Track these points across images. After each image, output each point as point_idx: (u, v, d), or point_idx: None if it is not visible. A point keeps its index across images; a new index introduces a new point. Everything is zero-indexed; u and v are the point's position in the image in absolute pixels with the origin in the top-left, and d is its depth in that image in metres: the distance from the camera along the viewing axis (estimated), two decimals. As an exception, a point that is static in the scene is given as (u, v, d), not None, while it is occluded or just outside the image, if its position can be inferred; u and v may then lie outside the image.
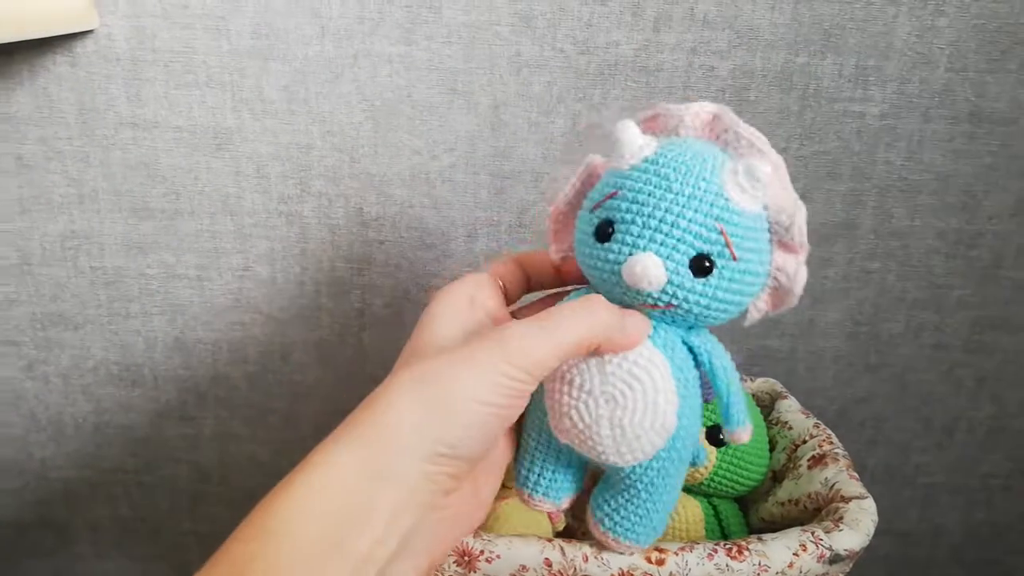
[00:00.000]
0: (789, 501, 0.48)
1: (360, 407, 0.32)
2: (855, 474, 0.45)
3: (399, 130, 0.58)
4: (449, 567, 0.40)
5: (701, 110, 0.36)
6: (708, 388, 0.37)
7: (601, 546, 0.39)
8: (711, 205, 0.33)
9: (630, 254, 0.33)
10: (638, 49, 0.56)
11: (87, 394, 0.64)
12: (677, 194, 0.33)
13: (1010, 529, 0.74)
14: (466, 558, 0.40)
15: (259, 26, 0.55)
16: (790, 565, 0.39)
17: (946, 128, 0.59)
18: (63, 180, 0.58)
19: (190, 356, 0.63)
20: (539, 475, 0.39)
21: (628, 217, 0.34)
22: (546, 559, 0.39)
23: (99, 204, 0.59)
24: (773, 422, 0.54)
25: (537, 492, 0.40)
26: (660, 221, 0.33)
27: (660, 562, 0.39)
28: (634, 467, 0.36)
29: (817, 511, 0.45)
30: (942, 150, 0.60)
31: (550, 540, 0.40)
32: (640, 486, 0.37)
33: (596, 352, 0.34)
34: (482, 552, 0.40)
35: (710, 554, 0.39)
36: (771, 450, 0.52)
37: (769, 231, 0.35)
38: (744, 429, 0.36)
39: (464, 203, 0.60)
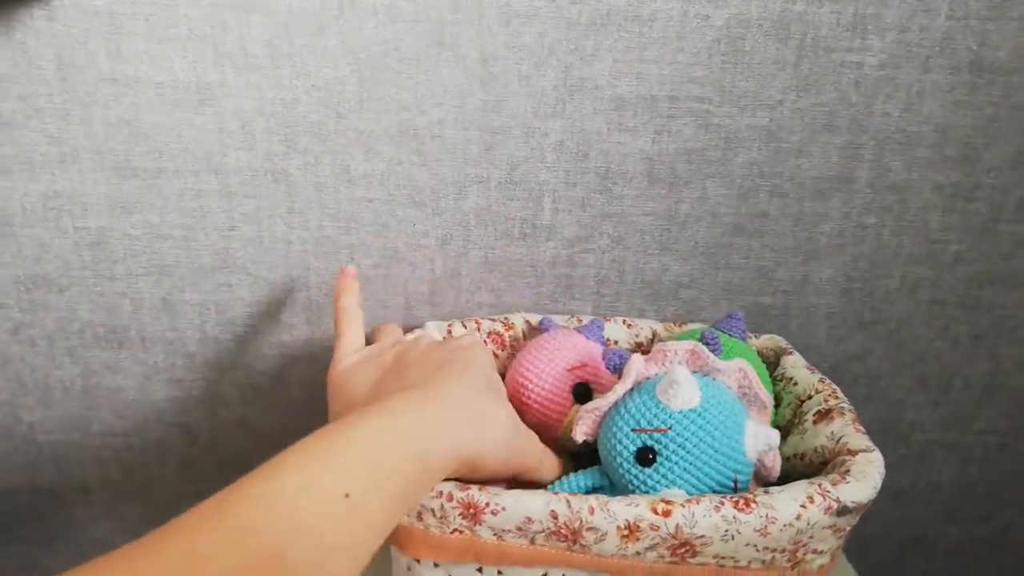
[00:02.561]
0: (795, 455, 0.48)
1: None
2: (861, 427, 0.45)
3: (386, 84, 0.56)
4: (455, 519, 0.40)
5: (681, 348, 0.47)
6: None
7: (606, 500, 0.40)
8: (734, 462, 0.43)
9: (665, 487, 0.42)
10: (630, -2, 0.55)
11: (74, 357, 0.63)
12: (716, 451, 0.42)
13: (1005, 486, 0.74)
14: (471, 510, 0.40)
15: (240, -24, 0.53)
16: (797, 517, 0.39)
17: (946, 79, 0.58)
18: (43, 138, 0.57)
19: (177, 317, 0.62)
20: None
21: (673, 458, 0.42)
22: (552, 511, 0.39)
23: (81, 163, 0.58)
24: (778, 378, 0.54)
25: None
26: (697, 468, 0.42)
27: (667, 513, 0.39)
28: None
29: (823, 465, 0.45)
30: (942, 101, 0.59)
31: (556, 494, 0.40)
32: None
33: None
34: (487, 504, 0.40)
35: (717, 506, 0.39)
36: (776, 406, 0.52)
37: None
38: None
39: (454, 159, 0.59)
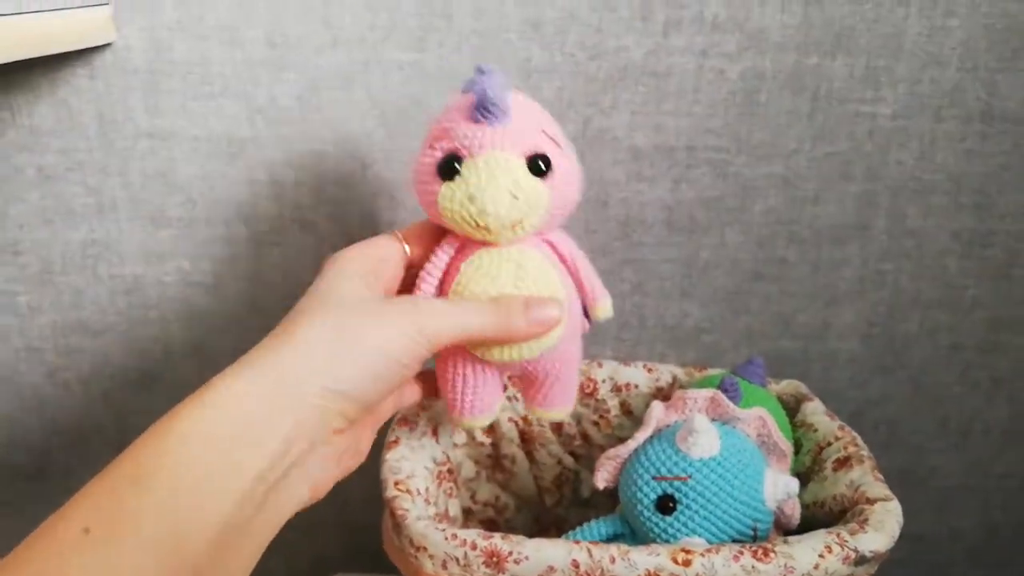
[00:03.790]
0: (814, 503, 0.48)
1: (268, 337, 0.35)
2: (880, 476, 0.46)
3: (411, 136, 0.58)
4: (479, 568, 0.41)
5: (700, 396, 0.48)
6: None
7: (627, 549, 0.40)
8: (754, 510, 0.44)
9: (686, 536, 0.43)
10: (648, 53, 0.56)
11: (107, 400, 0.65)
12: (735, 500, 0.43)
13: (1029, 531, 0.73)
14: (495, 559, 0.40)
15: (272, 35, 0.55)
16: (816, 567, 0.39)
17: (958, 128, 0.59)
18: (83, 190, 0.59)
19: (206, 362, 0.64)
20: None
21: (693, 507, 0.43)
22: (574, 560, 0.40)
23: (118, 213, 0.60)
24: (798, 424, 0.54)
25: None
26: (717, 517, 0.43)
27: (687, 563, 0.39)
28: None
29: (842, 513, 0.45)
30: (954, 150, 0.60)
31: (577, 543, 0.40)
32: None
33: None
34: (510, 553, 0.40)
35: (736, 555, 0.39)
36: (796, 452, 0.52)
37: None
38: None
39: (476, 208, 0.61)
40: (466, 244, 0.42)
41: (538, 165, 0.39)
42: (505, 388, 0.47)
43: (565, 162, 0.41)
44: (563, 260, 0.43)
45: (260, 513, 0.33)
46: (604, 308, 0.44)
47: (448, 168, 0.40)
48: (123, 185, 0.59)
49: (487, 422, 0.46)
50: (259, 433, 0.33)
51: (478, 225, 0.39)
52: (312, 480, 0.36)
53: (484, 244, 0.41)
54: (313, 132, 0.58)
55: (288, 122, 0.58)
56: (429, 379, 0.47)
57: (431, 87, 0.57)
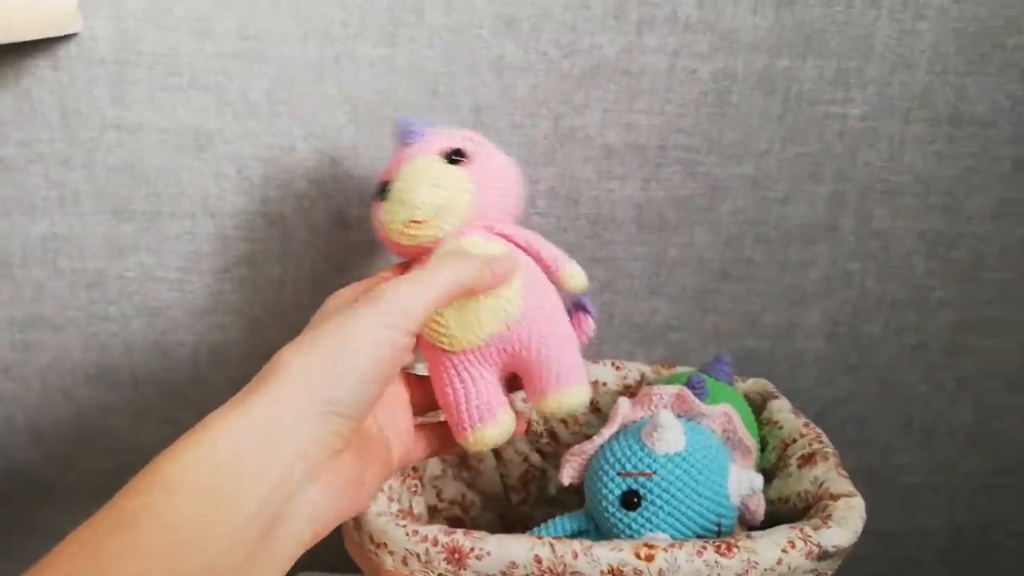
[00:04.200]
0: (779, 499, 0.48)
1: (253, 379, 0.34)
2: (844, 472, 0.46)
3: (381, 132, 0.58)
4: (440, 564, 0.40)
5: (666, 392, 0.48)
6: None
7: (589, 545, 0.39)
8: (719, 506, 0.44)
9: (650, 531, 0.43)
10: (621, 52, 0.56)
11: (66, 396, 0.64)
12: (700, 496, 0.43)
13: (992, 529, 0.74)
14: (456, 555, 0.40)
15: (243, 28, 0.55)
16: (779, 562, 0.39)
17: (927, 130, 0.60)
18: (44, 182, 0.58)
19: (170, 359, 0.63)
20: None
21: (657, 503, 0.43)
22: (536, 555, 0.39)
23: (81, 206, 0.59)
24: (764, 422, 0.54)
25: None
26: (681, 513, 0.43)
27: (649, 558, 0.39)
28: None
29: (807, 509, 0.46)
30: (923, 152, 0.60)
31: (540, 538, 0.40)
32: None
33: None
34: (472, 549, 0.40)
35: (699, 551, 0.39)
36: (762, 450, 0.52)
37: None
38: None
39: (447, 205, 0.60)
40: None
41: (452, 157, 0.42)
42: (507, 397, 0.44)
43: (491, 158, 0.44)
44: (518, 246, 0.43)
45: (257, 554, 0.31)
46: (571, 274, 0.43)
47: (382, 190, 0.43)
48: (87, 178, 0.58)
49: (497, 433, 0.42)
50: (250, 472, 0.32)
51: (414, 222, 0.41)
52: (313, 516, 0.34)
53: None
54: (282, 126, 0.57)
55: (257, 116, 0.57)
56: (433, 431, 0.45)
57: (402, 83, 0.57)
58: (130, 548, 0.29)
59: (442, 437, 0.44)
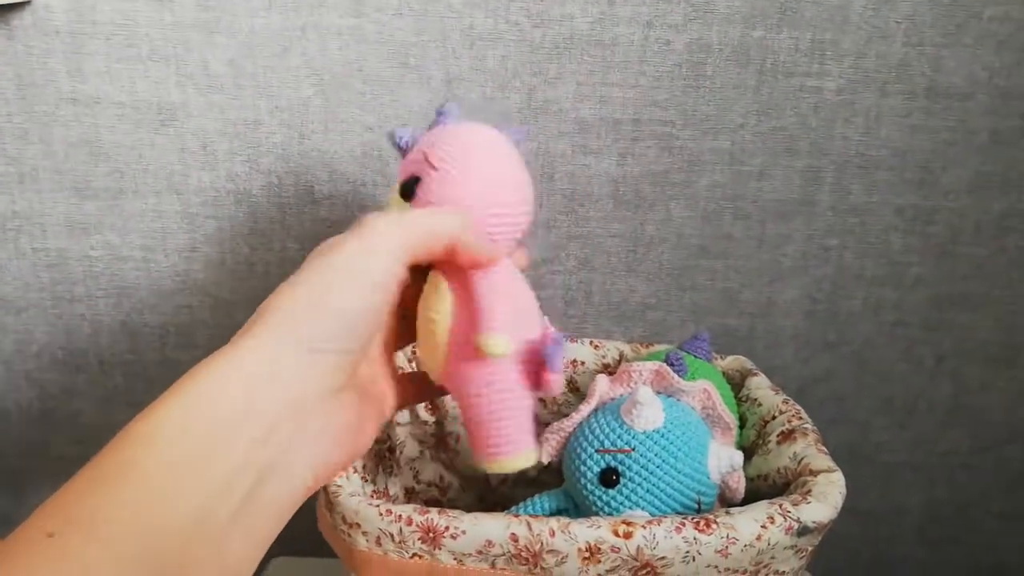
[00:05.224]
0: (759, 476, 0.48)
1: (244, 325, 0.33)
2: (824, 448, 0.45)
3: (350, 105, 0.56)
4: (415, 544, 0.39)
5: (645, 368, 0.47)
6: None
7: (567, 522, 0.38)
8: (698, 483, 0.43)
9: (629, 508, 0.42)
10: (593, 22, 0.55)
11: (31, 380, 0.62)
12: (679, 472, 0.42)
13: (971, 507, 0.74)
14: (431, 534, 0.39)
15: (203, -3, 0.53)
16: (758, 537, 0.38)
17: (903, 103, 0.59)
18: (1, 158, 0.56)
19: (137, 341, 0.61)
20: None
21: (636, 479, 0.42)
22: (512, 534, 0.39)
23: (40, 183, 0.57)
24: (743, 399, 0.54)
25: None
26: (660, 490, 0.42)
27: (627, 535, 0.38)
28: None
29: (787, 486, 0.45)
30: (899, 126, 0.60)
31: (516, 516, 0.39)
32: None
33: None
34: (447, 528, 0.39)
35: (678, 527, 0.38)
36: (741, 427, 0.52)
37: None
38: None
39: (418, 181, 0.59)
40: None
41: (406, 189, 0.39)
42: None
43: (437, 184, 0.39)
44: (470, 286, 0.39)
45: (248, 506, 0.30)
46: (485, 342, 0.37)
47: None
48: (45, 153, 0.56)
49: (529, 453, 0.40)
50: (235, 419, 0.30)
51: None
52: (312, 460, 0.33)
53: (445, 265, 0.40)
54: (247, 99, 0.56)
55: (221, 89, 0.55)
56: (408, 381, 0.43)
57: (371, 53, 0.55)
58: (111, 504, 0.28)
59: (419, 386, 0.43)
